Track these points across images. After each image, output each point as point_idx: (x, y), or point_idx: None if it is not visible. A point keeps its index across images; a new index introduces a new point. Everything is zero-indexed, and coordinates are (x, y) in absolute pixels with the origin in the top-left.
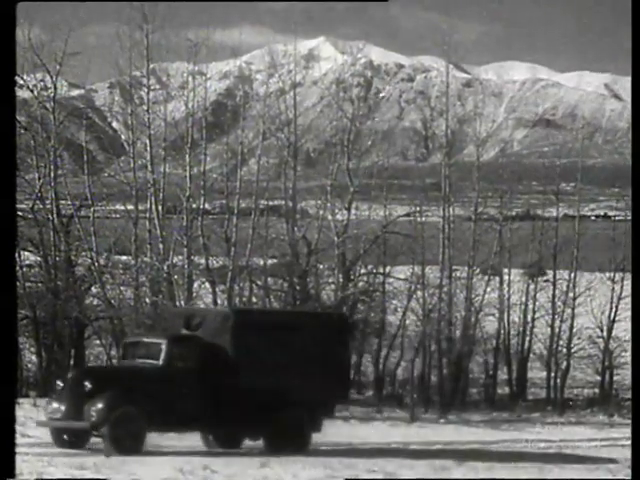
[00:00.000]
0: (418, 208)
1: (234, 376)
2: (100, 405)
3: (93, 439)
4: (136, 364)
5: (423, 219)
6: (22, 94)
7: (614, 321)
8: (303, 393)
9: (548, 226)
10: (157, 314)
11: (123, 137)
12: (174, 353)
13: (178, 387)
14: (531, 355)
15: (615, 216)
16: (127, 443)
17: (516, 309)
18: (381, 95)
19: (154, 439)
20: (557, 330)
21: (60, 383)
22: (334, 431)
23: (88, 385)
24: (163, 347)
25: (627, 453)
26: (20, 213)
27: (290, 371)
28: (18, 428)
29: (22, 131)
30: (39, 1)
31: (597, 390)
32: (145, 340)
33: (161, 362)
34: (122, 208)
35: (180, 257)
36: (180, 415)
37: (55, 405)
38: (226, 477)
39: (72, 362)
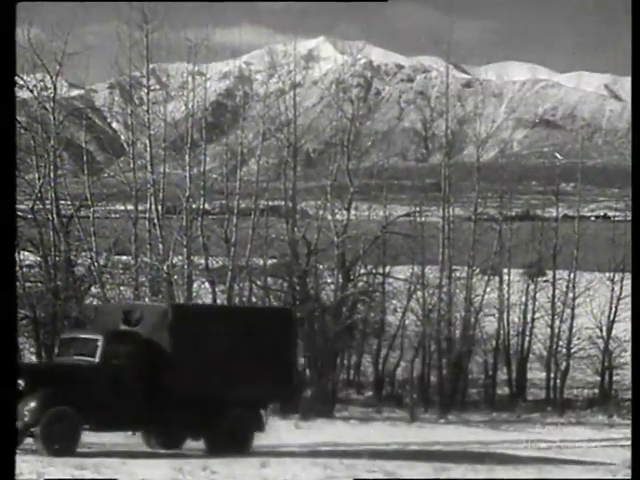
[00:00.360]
0: (418, 208)
1: (172, 374)
2: (33, 404)
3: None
4: (72, 361)
5: (423, 219)
6: (22, 94)
7: (614, 321)
8: (245, 391)
9: (548, 226)
10: (96, 309)
11: (123, 137)
12: (111, 350)
13: (114, 385)
14: (531, 355)
15: (615, 216)
16: (60, 443)
17: (516, 309)
18: (381, 95)
19: None
20: (557, 330)
21: None
22: (334, 431)
23: (21, 384)
24: (99, 343)
25: (627, 453)
26: (20, 213)
27: (231, 369)
28: None
29: (22, 131)
30: (39, 1)
31: (597, 390)
32: (81, 336)
33: (97, 359)
34: (122, 208)
35: (180, 257)
36: (117, 414)
37: None
38: (226, 477)
39: None
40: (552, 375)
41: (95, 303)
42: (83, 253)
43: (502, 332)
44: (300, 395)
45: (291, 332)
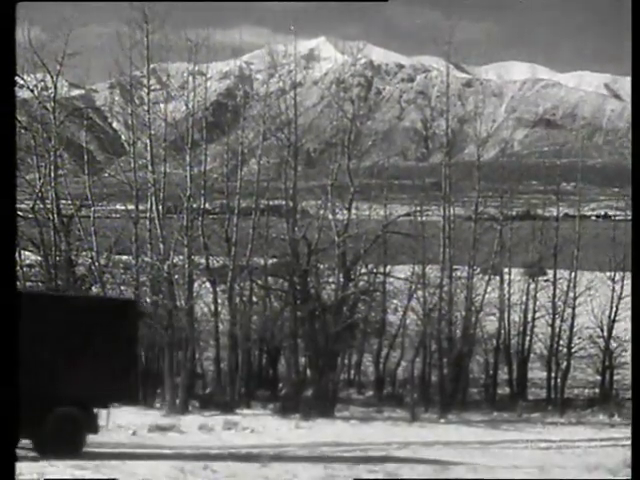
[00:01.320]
0: (418, 208)
1: None
2: None
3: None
4: None
5: (423, 219)
6: (22, 94)
7: (614, 321)
8: (75, 388)
9: (548, 226)
10: None
11: (123, 137)
12: None
13: None
14: (531, 355)
15: (615, 216)
16: None
17: (516, 309)
18: (381, 95)
19: (155, 439)
20: (557, 330)
21: None
22: (334, 431)
23: None
24: None
25: (627, 453)
26: (20, 213)
27: (62, 363)
28: None
29: (22, 131)
30: (39, 1)
31: (597, 390)
32: None
33: None
34: (122, 208)
35: (180, 257)
36: None
37: None
38: (226, 477)
39: None
40: (553, 374)
41: None
42: (84, 253)
43: (503, 331)
44: (138, 393)
45: (133, 326)
